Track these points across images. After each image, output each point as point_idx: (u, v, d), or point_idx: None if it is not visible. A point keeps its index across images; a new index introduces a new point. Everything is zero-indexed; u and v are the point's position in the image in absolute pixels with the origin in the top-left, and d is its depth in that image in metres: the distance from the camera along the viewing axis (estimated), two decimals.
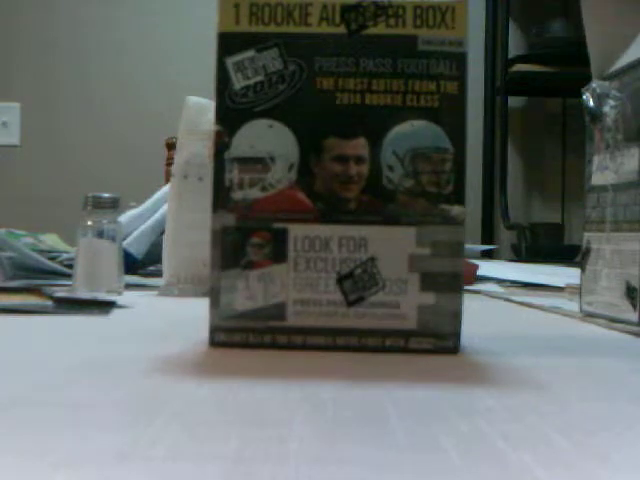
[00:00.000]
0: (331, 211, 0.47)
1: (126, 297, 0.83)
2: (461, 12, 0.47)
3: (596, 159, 0.68)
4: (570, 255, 2.20)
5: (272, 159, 0.47)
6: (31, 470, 0.22)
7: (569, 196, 2.82)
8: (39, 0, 2.78)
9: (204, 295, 0.84)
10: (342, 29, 0.48)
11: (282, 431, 0.27)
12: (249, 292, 0.47)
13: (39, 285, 0.88)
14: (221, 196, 0.47)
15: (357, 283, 0.47)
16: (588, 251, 0.68)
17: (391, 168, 0.47)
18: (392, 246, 0.47)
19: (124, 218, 1.14)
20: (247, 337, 0.47)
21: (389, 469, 0.23)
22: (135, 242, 1.15)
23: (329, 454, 0.24)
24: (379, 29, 0.48)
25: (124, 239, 1.08)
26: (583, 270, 0.69)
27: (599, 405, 0.33)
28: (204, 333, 0.48)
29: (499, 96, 2.65)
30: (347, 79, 0.47)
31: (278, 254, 0.47)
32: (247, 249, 0.47)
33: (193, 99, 0.93)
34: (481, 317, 0.71)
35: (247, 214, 0.47)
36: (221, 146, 0.47)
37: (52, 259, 1.04)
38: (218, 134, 0.47)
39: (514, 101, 2.78)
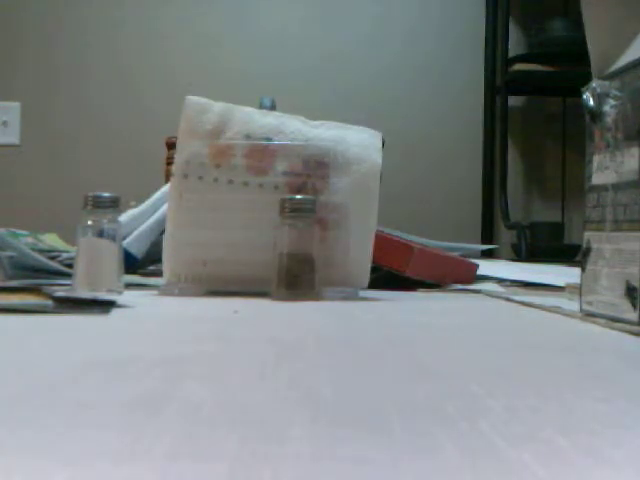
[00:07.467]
0: None
1: (126, 297, 0.82)
2: None
3: (596, 159, 0.68)
4: (570, 255, 2.20)
5: None
6: (31, 470, 0.22)
7: (569, 196, 2.81)
8: (39, 0, 2.78)
9: (204, 295, 0.84)
10: None
11: (282, 431, 0.27)
12: None
13: (39, 285, 0.88)
14: None
15: None
16: (588, 250, 0.68)
17: None
18: None
19: (124, 218, 1.14)
20: None
21: (389, 469, 0.23)
22: (135, 242, 1.15)
23: (329, 454, 0.24)
24: None
25: (124, 239, 1.08)
26: (583, 270, 0.69)
27: (599, 405, 0.33)
28: (204, 332, 0.48)
29: (499, 96, 2.65)
30: None
31: None
32: None
33: (193, 99, 0.93)
34: (481, 317, 0.71)
35: None
36: None
37: (52, 259, 1.04)
38: None
39: (514, 101, 2.77)
